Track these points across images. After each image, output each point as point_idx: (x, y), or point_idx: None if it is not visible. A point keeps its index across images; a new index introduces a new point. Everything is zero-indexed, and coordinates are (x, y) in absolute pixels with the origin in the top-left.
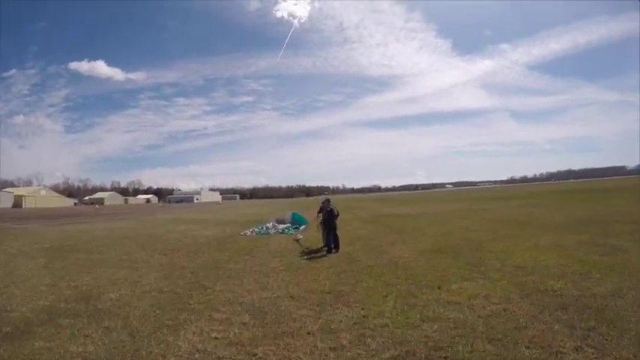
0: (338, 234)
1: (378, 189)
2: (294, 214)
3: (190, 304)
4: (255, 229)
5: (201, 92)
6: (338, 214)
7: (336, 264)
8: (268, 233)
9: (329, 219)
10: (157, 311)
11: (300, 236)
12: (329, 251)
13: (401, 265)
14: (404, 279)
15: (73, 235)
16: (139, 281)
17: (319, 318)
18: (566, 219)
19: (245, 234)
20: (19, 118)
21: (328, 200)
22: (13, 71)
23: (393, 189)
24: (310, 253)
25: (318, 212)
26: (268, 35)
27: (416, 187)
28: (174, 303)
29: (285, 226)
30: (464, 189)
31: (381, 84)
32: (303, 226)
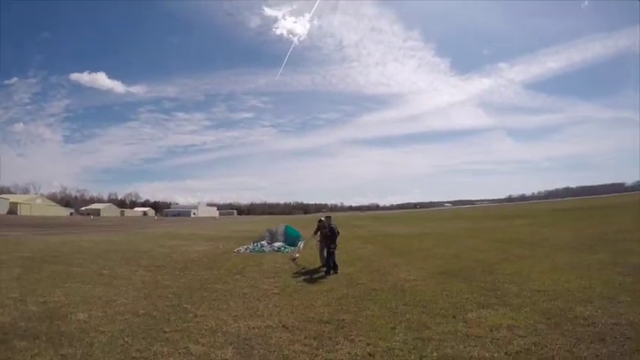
0: (335, 253)
1: (377, 207)
2: (287, 228)
3: (166, 332)
4: (250, 247)
5: (200, 107)
6: (338, 233)
7: (336, 287)
8: (263, 251)
9: (330, 238)
10: (127, 339)
11: (296, 255)
12: (327, 272)
13: (408, 290)
14: (413, 306)
15: (58, 245)
16: (114, 300)
17: (316, 355)
18: (576, 238)
19: (238, 251)
20: (19, 126)
21: (329, 217)
22: (14, 79)
23: (391, 207)
24: (307, 274)
25: (316, 231)
26: (268, 52)
27: (414, 206)
28: (149, 329)
29: (280, 244)
30: (463, 207)
31: (379, 102)
32: (300, 243)
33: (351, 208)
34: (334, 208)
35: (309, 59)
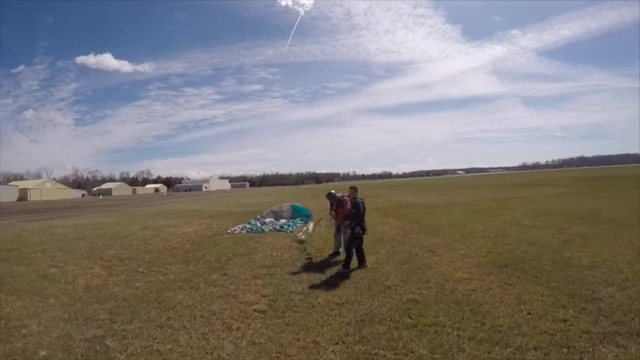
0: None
1: (389, 175)
2: (294, 207)
3: None
4: (247, 226)
5: (209, 82)
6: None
7: (354, 296)
8: (262, 231)
9: (356, 217)
10: None
11: (303, 237)
12: (347, 266)
13: (464, 300)
14: (486, 341)
15: (30, 234)
16: (20, 327)
17: None
18: (630, 210)
19: (233, 231)
20: (30, 113)
21: (354, 189)
22: (21, 67)
23: (404, 175)
24: (314, 268)
25: (332, 207)
26: (275, 24)
27: (427, 174)
28: None
29: (284, 221)
30: (477, 175)
31: (390, 71)
32: (310, 223)
33: (363, 177)
34: (346, 177)
35: (317, 29)
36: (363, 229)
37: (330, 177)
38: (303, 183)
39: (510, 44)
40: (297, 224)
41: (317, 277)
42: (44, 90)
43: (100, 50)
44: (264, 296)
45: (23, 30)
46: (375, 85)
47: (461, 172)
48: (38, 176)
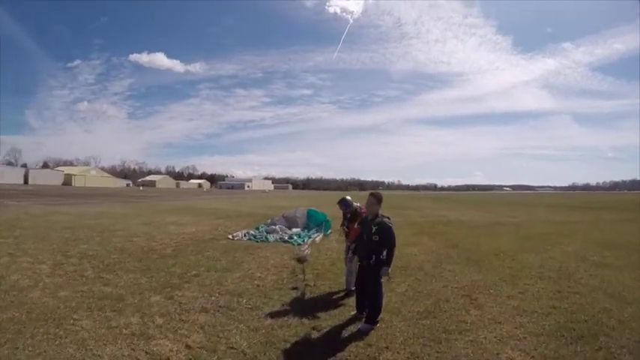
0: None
1: (434, 187)
2: (309, 211)
3: None
4: (252, 232)
5: (259, 84)
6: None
7: None
8: (266, 240)
9: (378, 244)
10: None
11: (306, 251)
12: (372, 321)
13: None
14: None
15: (26, 217)
16: None
17: None
18: None
19: (234, 237)
20: (84, 105)
21: (375, 199)
22: (77, 62)
23: (449, 188)
24: (300, 310)
25: (345, 218)
26: (325, 30)
27: (473, 188)
28: None
29: (296, 231)
30: (525, 193)
31: (439, 81)
32: (317, 235)
33: (408, 188)
34: (391, 186)
35: (366, 37)
36: (388, 268)
37: (375, 185)
38: (346, 189)
39: (562, 57)
40: (313, 235)
41: (291, 330)
42: (99, 84)
43: (153, 49)
44: (189, 347)
45: (80, 27)
46: (424, 95)
47: (507, 188)
48: (87, 164)
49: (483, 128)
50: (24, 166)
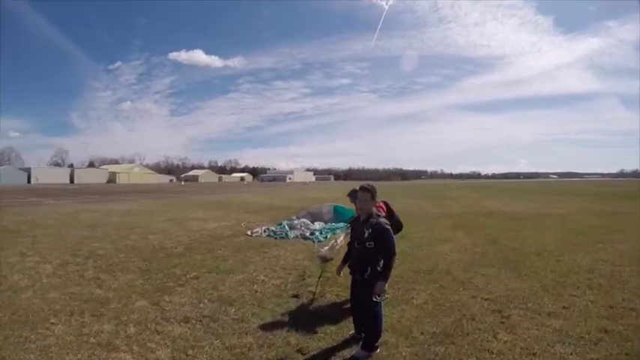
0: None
1: (478, 176)
2: (335, 208)
3: None
4: (272, 228)
5: (298, 76)
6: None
7: None
8: (287, 237)
9: (374, 252)
10: None
11: (327, 253)
12: (369, 347)
13: None
14: None
15: (53, 215)
16: None
17: None
18: None
19: (255, 232)
20: (127, 105)
21: (366, 192)
22: (118, 63)
23: (493, 177)
24: (302, 325)
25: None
26: (360, 18)
27: (517, 176)
28: None
29: (319, 226)
30: (572, 180)
31: (480, 65)
32: (342, 234)
33: (451, 176)
34: (434, 175)
35: (403, 23)
36: (383, 288)
37: (418, 174)
38: (388, 179)
39: (607, 36)
40: (336, 231)
41: (271, 352)
42: (141, 84)
43: (191, 47)
44: None
45: (119, 30)
46: (465, 81)
47: (554, 175)
48: (132, 161)
49: (526, 113)
50: (70, 166)
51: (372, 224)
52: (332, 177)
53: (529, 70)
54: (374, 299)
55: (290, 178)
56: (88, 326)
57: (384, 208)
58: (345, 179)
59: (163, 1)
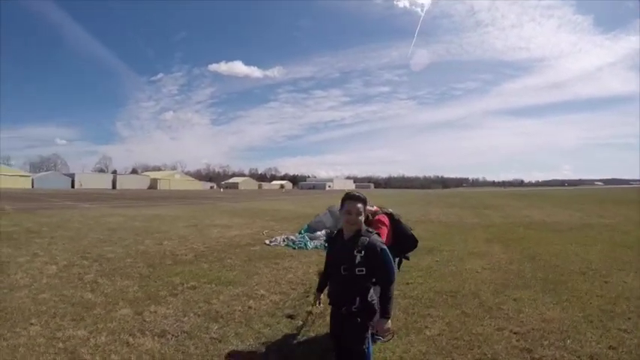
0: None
1: (520, 183)
2: None
3: None
4: (291, 237)
5: (337, 84)
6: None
7: None
8: (305, 247)
9: (368, 277)
10: None
11: None
12: None
13: None
14: None
15: (80, 218)
16: None
17: None
18: None
19: (273, 242)
20: (170, 114)
21: (361, 202)
22: (160, 75)
23: (537, 184)
24: (294, 348)
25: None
26: (397, 25)
27: (562, 183)
28: None
29: None
30: (618, 187)
31: (519, 69)
32: None
33: (493, 184)
34: (475, 183)
35: (440, 28)
36: (386, 327)
37: (459, 182)
38: (429, 187)
39: None
40: None
41: None
42: (182, 94)
43: (231, 58)
44: None
45: (161, 43)
46: (505, 85)
47: (599, 182)
48: (174, 168)
49: (568, 117)
50: (114, 172)
51: (363, 244)
52: (372, 185)
53: (570, 72)
54: (375, 338)
55: (329, 186)
56: (63, 330)
57: (387, 222)
58: (385, 187)
59: (202, 15)
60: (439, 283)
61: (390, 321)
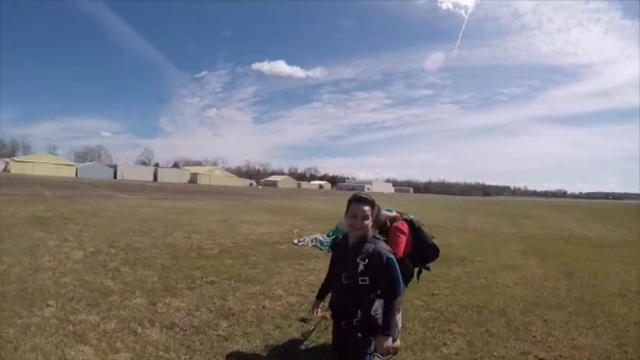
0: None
1: (563, 194)
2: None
3: None
4: (320, 238)
5: (379, 86)
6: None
7: None
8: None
9: (373, 289)
10: None
11: None
12: None
13: None
14: None
15: (115, 207)
16: None
17: None
18: None
19: (301, 241)
20: (213, 111)
21: (368, 205)
22: (204, 73)
23: (580, 196)
24: None
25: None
26: (440, 28)
27: (606, 196)
28: None
29: None
30: None
31: (566, 74)
32: None
33: (535, 194)
34: (517, 192)
35: (485, 31)
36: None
37: (500, 190)
38: (469, 194)
39: None
40: None
41: None
42: (226, 92)
43: (274, 57)
44: None
45: (205, 42)
46: (551, 91)
47: None
48: (215, 164)
49: (616, 127)
50: (156, 165)
51: (367, 252)
52: (411, 189)
53: (618, 79)
54: (374, 357)
55: (368, 188)
56: (76, 314)
57: (406, 230)
58: (424, 192)
59: (246, 15)
60: (466, 297)
61: (391, 339)
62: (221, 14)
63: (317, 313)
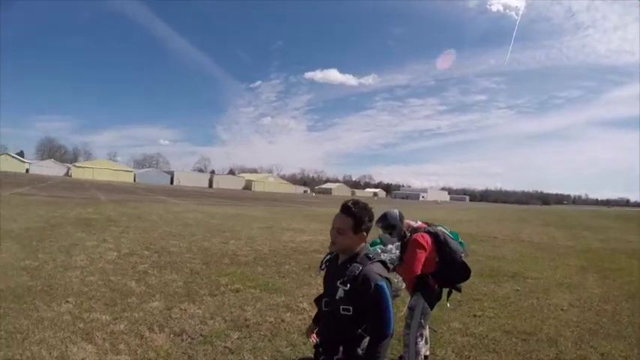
0: None
1: (626, 203)
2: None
3: None
4: None
5: (433, 92)
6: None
7: None
8: None
9: (357, 321)
10: None
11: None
12: None
13: None
14: None
15: (161, 212)
16: None
17: None
18: None
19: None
20: (267, 120)
21: (349, 217)
22: (258, 82)
23: None
24: None
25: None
26: (492, 31)
27: None
28: None
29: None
30: None
31: (625, 74)
32: None
33: (596, 202)
34: (577, 201)
35: (538, 32)
36: None
37: (559, 199)
38: (527, 203)
39: None
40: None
41: None
42: (280, 101)
43: (326, 66)
44: None
45: (259, 52)
46: (610, 93)
47: None
48: (269, 171)
49: None
50: (212, 172)
51: (351, 275)
52: (467, 197)
53: None
54: None
55: (423, 197)
56: (91, 312)
57: (428, 244)
58: (480, 200)
59: (298, 25)
60: (512, 320)
61: None
62: (273, 25)
63: (312, 339)
